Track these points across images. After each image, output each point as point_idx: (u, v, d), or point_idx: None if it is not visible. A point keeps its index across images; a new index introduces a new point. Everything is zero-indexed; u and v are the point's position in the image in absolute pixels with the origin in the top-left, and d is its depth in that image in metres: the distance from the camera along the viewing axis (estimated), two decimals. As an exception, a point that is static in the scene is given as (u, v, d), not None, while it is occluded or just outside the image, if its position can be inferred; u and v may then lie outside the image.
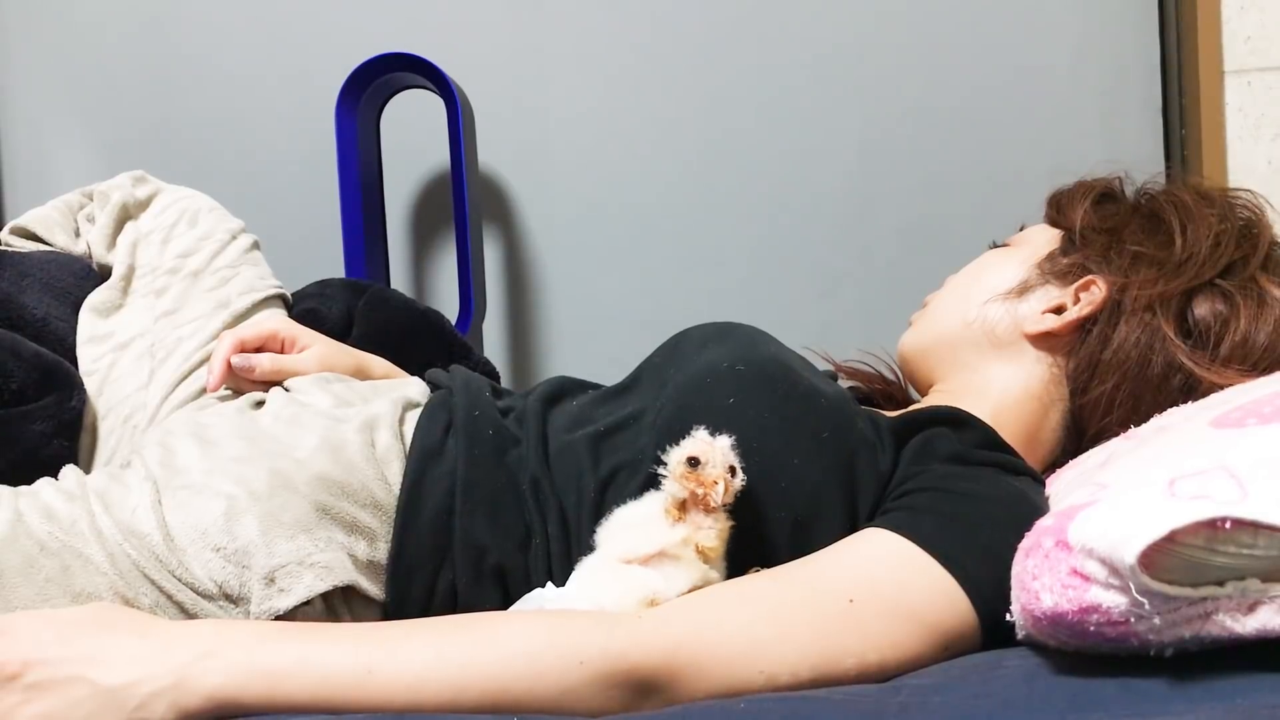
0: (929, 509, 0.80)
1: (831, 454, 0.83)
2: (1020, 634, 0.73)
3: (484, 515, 0.84)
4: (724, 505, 0.76)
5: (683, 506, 0.77)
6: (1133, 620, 0.64)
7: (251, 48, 1.67)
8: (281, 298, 1.14)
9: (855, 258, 1.65)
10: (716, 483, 0.75)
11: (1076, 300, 0.97)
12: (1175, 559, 0.63)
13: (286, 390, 0.96)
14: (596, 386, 0.99)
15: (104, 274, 1.12)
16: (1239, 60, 1.54)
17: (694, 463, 0.76)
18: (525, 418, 0.91)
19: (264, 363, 0.99)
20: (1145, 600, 0.63)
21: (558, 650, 0.69)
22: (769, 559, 0.80)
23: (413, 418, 0.91)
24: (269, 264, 1.17)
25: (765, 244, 1.65)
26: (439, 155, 1.61)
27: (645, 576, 0.75)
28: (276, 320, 1.06)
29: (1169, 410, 0.90)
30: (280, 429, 0.87)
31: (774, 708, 0.66)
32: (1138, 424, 0.90)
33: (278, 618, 0.77)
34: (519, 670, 0.68)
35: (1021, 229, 1.10)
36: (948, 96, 1.63)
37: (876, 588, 0.75)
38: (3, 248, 1.15)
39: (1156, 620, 0.63)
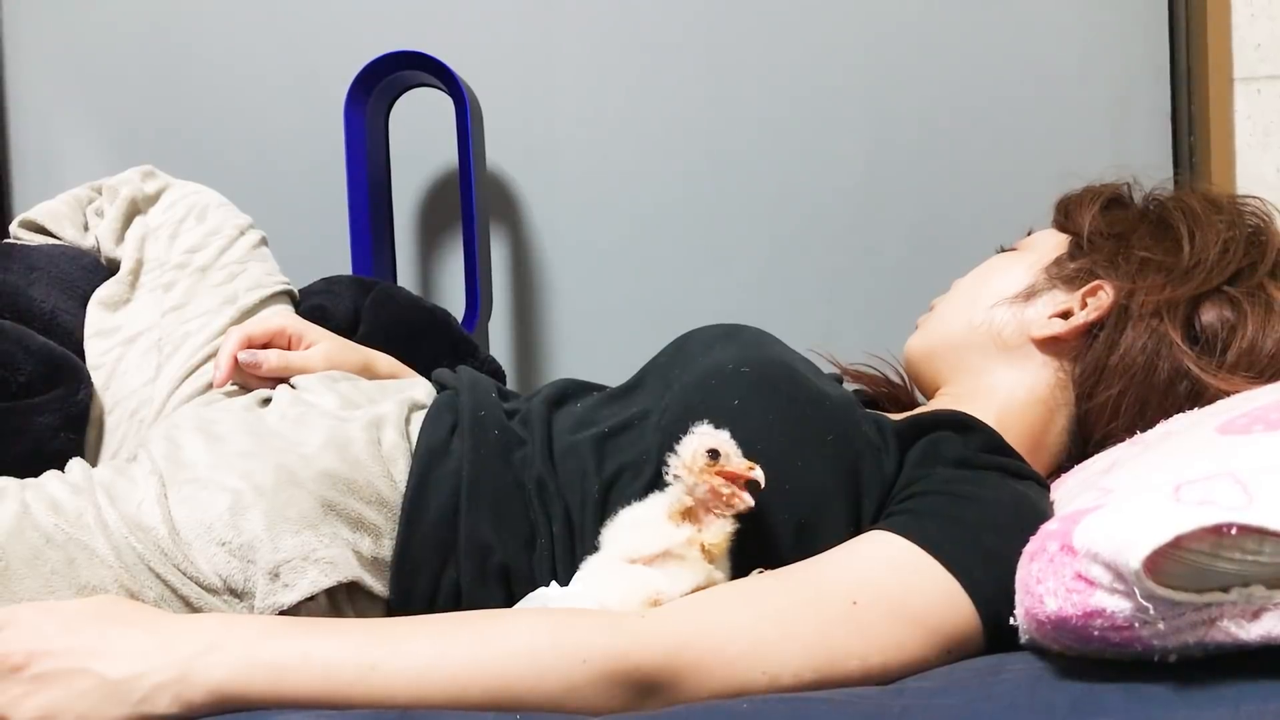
0: (933, 512, 0.80)
1: (836, 457, 0.83)
2: (1023, 638, 0.73)
3: (489, 515, 0.84)
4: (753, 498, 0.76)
5: (689, 512, 0.77)
6: (1137, 625, 0.64)
7: (261, 44, 1.67)
8: (288, 294, 1.14)
9: (862, 260, 1.65)
10: (752, 469, 0.75)
11: (1084, 305, 0.97)
12: (1180, 564, 0.63)
13: (293, 388, 0.97)
14: (601, 389, 0.99)
15: (112, 268, 1.13)
16: (1249, 68, 1.54)
17: (715, 455, 0.75)
18: (530, 419, 0.91)
19: (271, 359, 0.99)
20: (1150, 605, 0.63)
21: (561, 649, 0.69)
22: (773, 561, 0.80)
23: (419, 418, 0.91)
24: (276, 260, 1.17)
25: (772, 246, 1.65)
26: (447, 154, 1.61)
27: (649, 576, 0.75)
28: (283, 316, 1.06)
29: (1175, 416, 0.90)
30: (287, 426, 0.87)
31: (777, 708, 0.66)
32: (1144, 429, 0.90)
33: (282, 613, 0.77)
34: (522, 668, 0.68)
35: (1029, 233, 1.10)
36: (956, 101, 1.63)
37: (880, 590, 0.75)
38: (11, 241, 1.15)
39: (1161, 625, 0.63)
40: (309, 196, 1.65)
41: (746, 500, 0.76)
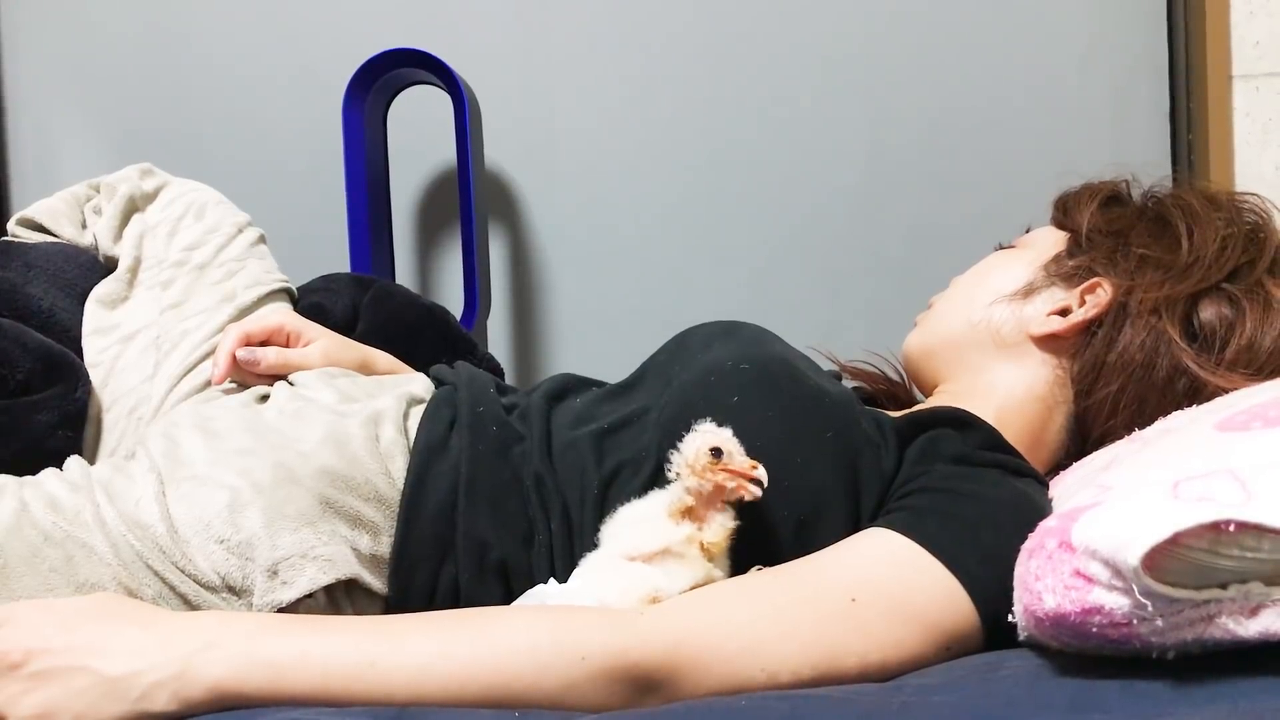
0: (932, 509, 0.80)
1: (835, 454, 0.83)
2: (1022, 635, 0.73)
3: (487, 511, 0.84)
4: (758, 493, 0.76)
5: (688, 510, 0.77)
6: (1135, 622, 0.64)
7: (259, 42, 1.67)
8: (287, 292, 1.14)
9: (861, 258, 1.64)
10: (756, 467, 0.75)
11: (1082, 302, 0.97)
12: (1179, 561, 0.63)
13: (291, 385, 0.96)
14: (600, 384, 0.99)
15: (110, 266, 1.13)
16: (1247, 65, 1.54)
17: (718, 453, 0.75)
18: (529, 415, 0.91)
19: (269, 356, 0.99)
20: (1148, 602, 0.63)
21: (560, 646, 0.69)
22: (772, 558, 0.80)
23: (417, 413, 0.91)
24: (275, 258, 1.17)
25: (771, 243, 1.65)
26: (445, 151, 1.61)
27: (648, 573, 0.75)
28: (282, 314, 1.06)
29: (1174, 413, 0.90)
30: (285, 423, 0.87)
31: (775, 705, 0.66)
32: (1142, 427, 0.90)
33: (280, 610, 0.77)
34: (521, 665, 0.68)
35: (1028, 231, 1.10)
36: (955, 99, 1.63)
37: (879, 587, 0.75)
38: (9, 239, 1.15)
39: (1159, 622, 0.63)
40: (307, 194, 1.65)
41: (753, 490, 0.75)
